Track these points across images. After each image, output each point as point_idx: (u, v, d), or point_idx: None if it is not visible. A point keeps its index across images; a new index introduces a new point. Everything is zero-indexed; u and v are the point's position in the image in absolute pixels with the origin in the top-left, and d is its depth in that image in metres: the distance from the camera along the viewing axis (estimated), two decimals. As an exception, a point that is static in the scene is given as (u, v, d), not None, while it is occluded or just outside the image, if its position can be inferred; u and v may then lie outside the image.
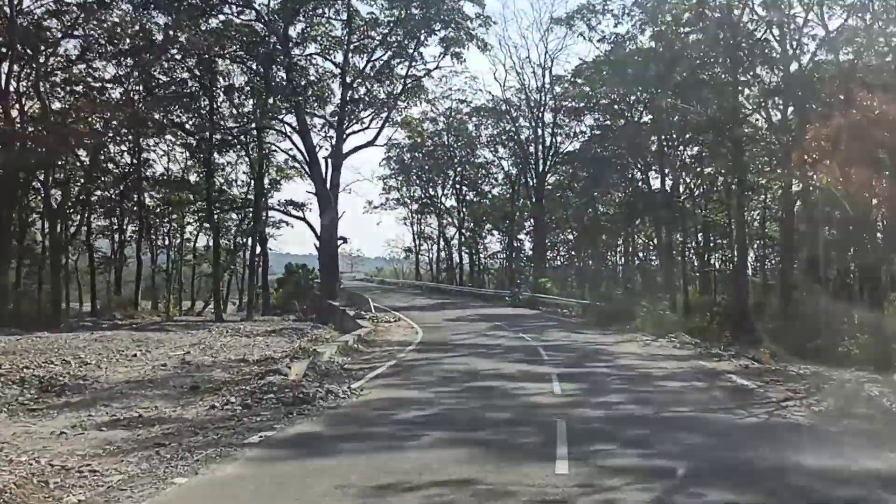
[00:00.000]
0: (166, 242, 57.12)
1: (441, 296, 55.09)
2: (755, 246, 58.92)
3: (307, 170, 49.80)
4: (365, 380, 15.89)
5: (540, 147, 61.28)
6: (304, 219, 51.70)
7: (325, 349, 19.89)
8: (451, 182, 70.81)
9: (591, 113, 60.55)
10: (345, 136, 50.48)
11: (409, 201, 74.16)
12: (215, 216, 46.11)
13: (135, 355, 21.56)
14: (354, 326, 29.25)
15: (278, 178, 56.51)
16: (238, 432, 10.19)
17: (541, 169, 60.53)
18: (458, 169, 70.20)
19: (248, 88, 46.08)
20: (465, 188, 71.97)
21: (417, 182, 72.06)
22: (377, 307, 39.39)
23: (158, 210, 48.40)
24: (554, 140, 61.88)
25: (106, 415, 12.39)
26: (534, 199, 60.96)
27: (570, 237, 72.48)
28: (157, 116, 45.50)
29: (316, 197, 50.09)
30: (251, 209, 53.63)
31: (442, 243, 73.68)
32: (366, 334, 25.92)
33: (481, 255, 76.33)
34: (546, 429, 10.54)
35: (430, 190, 72.54)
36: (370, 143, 51.62)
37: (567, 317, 36.52)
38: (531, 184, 62.58)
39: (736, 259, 43.73)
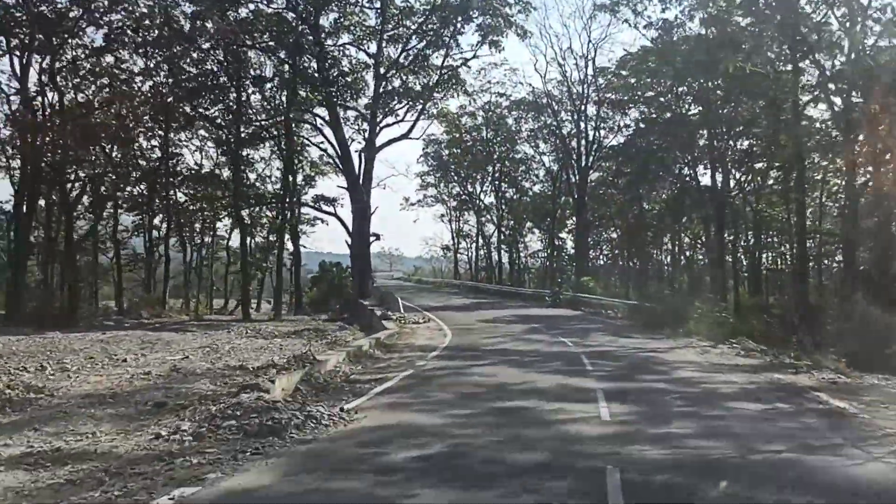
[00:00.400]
0: (199, 240, 55.01)
1: (478, 295, 51.80)
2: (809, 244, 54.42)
3: (339, 163, 47.03)
4: (367, 396, 12.74)
5: (582, 142, 57.50)
6: (335, 214, 48.92)
7: (332, 356, 16.82)
8: (490, 178, 67.42)
9: (635, 106, 56.80)
10: (378, 128, 47.62)
11: (447, 198, 71.08)
12: (244, 212, 43.52)
13: (124, 360, 18.82)
14: (381, 328, 26.24)
15: (312, 173, 53.98)
16: (154, 483, 7.10)
17: (583, 164, 56.75)
18: (498, 165, 66.80)
19: (278, 80, 43.36)
20: (504, 185, 68.59)
21: (456, 179, 68.82)
22: (409, 307, 36.34)
23: (187, 206, 45.96)
24: (597, 134, 58.14)
25: (25, 443, 9.48)
26: (576, 196, 57.20)
27: (614, 235, 68.70)
28: (186, 109, 43.24)
29: (348, 192, 47.27)
30: (285, 206, 51.37)
31: (480, 241, 70.31)
32: (387, 337, 22.83)
33: (521, 255, 72.96)
34: (592, 482, 7.26)
35: (469, 187, 69.27)
36: (405, 136, 48.62)
37: (611, 319, 32.93)
38: (573, 180, 58.90)
39: (795, 259, 39.75)
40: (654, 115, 54.07)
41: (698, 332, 25.36)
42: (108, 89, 41.22)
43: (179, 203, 46.35)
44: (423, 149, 67.94)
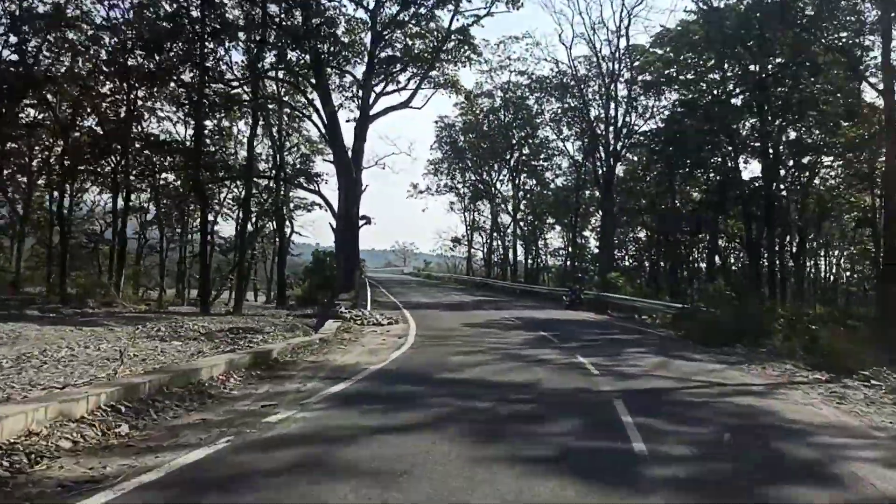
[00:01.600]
0: (177, 224, 45.96)
1: (486, 293, 41.96)
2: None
3: (324, 133, 37.62)
4: None
5: (611, 126, 47.31)
6: (317, 192, 39.42)
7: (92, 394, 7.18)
8: (507, 167, 57.45)
9: (672, 87, 46.49)
10: (374, 96, 38.18)
11: (460, 187, 61.36)
12: (207, 187, 34.17)
13: None
14: (323, 328, 16.70)
15: (309, 151, 44.64)
16: None
17: (612, 147, 46.55)
18: (516, 153, 56.81)
19: (248, 29, 33.91)
20: (523, 175, 58.57)
21: (471, 165, 58.96)
22: (387, 303, 26.96)
23: (145, 175, 36.80)
24: (628, 118, 47.75)
25: None
26: (602, 183, 47.03)
27: (641, 235, 58.11)
28: (150, 66, 34.13)
29: (334, 166, 37.87)
30: (272, 185, 42.18)
31: (495, 234, 60.29)
32: (299, 347, 13.20)
33: (540, 252, 62.78)
34: None
35: (485, 175, 59.35)
36: (404, 105, 38.99)
37: (648, 327, 22.80)
38: (600, 169, 48.75)
39: (884, 254, 29.31)
40: (693, 97, 43.79)
41: (790, 354, 15.30)
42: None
43: (139, 175, 37.04)
44: (437, 133, 58.48)
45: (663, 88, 46.57)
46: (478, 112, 55.15)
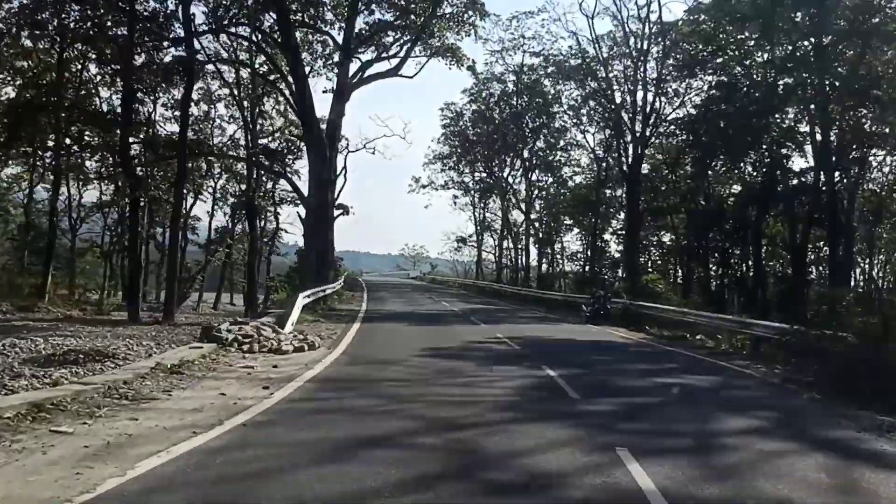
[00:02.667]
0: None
1: (490, 299, 33.25)
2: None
3: (292, 102, 29.29)
4: None
5: (639, 112, 38.36)
6: (283, 174, 31.01)
7: None
8: (521, 160, 48.63)
9: (708, 67, 37.46)
10: (358, 64, 29.91)
11: (469, 182, 52.61)
12: (138, 169, 25.64)
13: None
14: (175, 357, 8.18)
15: (290, 134, 36.27)
16: None
17: (639, 133, 37.64)
18: (530, 145, 47.99)
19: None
20: (538, 171, 49.66)
21: (480, 158, 50.17)
22: (348, 312, 18.62)
23: (72, 153, 28.65)
24: (657, 103, 38.66)
25: None
26: (627, 173, 38.15)
27: (666, 239, 48.59)
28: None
29: (304, 143, 29.57)
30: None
31: (506, 234, 51.36)
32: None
33: (557, 256, 53.62)
34: None
35: (496, 169, 50.54)
36: (393, 72, 30.60)
37: (720, 356, 13.76)
38: (624, 160, 39.85)
39: None
40: (734, 79, 34.80)
41: None
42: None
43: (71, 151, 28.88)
44: (443, 123, 49.90)
45: (697, 69, 37.61)
46: (486, 97, 46.69)
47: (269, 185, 38.08)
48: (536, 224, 50.01)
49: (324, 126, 28.77)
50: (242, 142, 33.61)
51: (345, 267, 43.73)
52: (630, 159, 38.62)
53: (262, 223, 39.38)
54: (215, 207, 40.65)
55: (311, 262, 28.61)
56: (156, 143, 25.81)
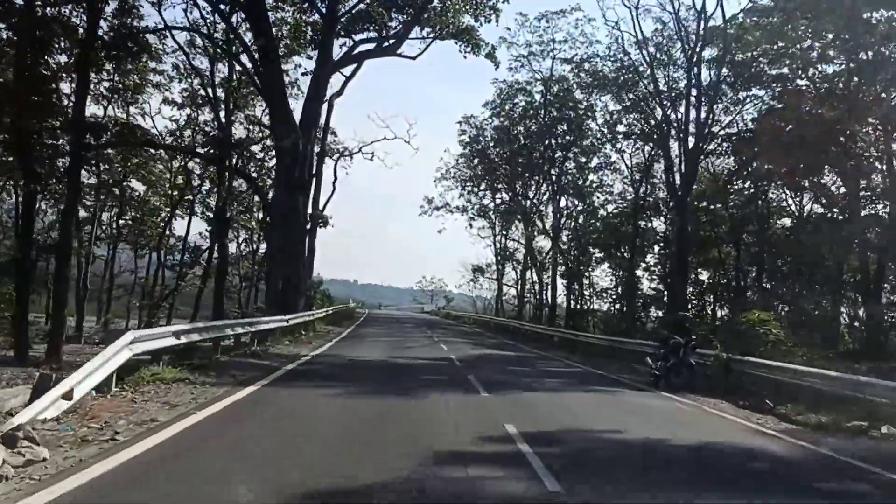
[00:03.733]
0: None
1: (504, 341, 24.68)
2: None
3: (255, 80, 21.66)
4: None
5: (692, 125, 29.94)
6: (236, 170, 23.24)
7: None
8: (549, 183, 40.34)
9: (764, 80, 29.29)
10: (344, 37, 22.36)
11: (490, 206, 44.49)
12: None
13: None
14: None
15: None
16: None
17: (691, 146, 29.16)
18: (560, 165, 39.76)
19: None
20: (566, 195, 41.26)
21: (503, 178, 41.96)
22: (264, 367, 10.11)
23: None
24: (713, 113, 30.21)
25: None
26: (676, 190, 29.60)
27: (704, 277, 39.35)
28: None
29: (272, 132, 21.94)
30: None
31: (529, 262, 42.79)
32: None
33: (585, 292, 44.58)
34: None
35: (520, 192, 42.32)
36: (389, 50, 22.94)
37: None
38: (673, 180, 31.36)
39: None
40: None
41: None
42: None
43: None
44: (462, 141, 42.09)
45: (754, 80, 29.38)
46: (510, 109, 38.92)
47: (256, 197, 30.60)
48: (563, 256, 41.48)
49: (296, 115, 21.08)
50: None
51: (340, 297, 35.75)
52: (679, 177, 30.22)
53: (241, 240, 31.89)
54: (191, 221, 33.04)
55: (276, 288, 20.59)
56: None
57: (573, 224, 42.01)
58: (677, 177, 29.21)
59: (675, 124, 29.88)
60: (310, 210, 22.86)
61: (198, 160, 27.99)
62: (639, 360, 17.31)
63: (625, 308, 35.10)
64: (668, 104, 29.83)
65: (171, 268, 29.60)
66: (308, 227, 22.33)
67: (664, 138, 31.18)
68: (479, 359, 15.94)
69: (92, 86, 23.57)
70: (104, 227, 32.50)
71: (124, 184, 31.23)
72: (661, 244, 37.85)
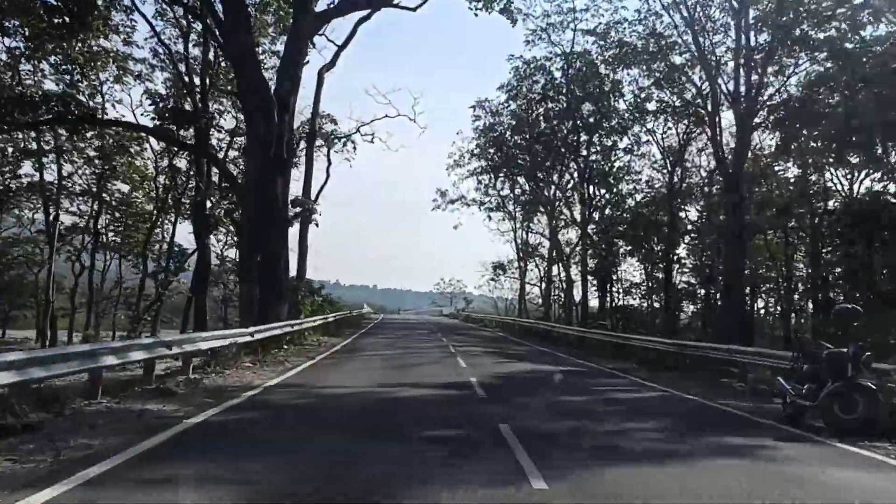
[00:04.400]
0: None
1: (535, 348, 19.52)
2: None
3: (211, 29, 17.00)
4: None
5: (742, 79, 24.52)
6: (195, 148, 18.48)
7: None
8: (576, 165, 35.04)
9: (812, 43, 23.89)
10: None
11: (508, 198, 39.48)
12: None
13: None
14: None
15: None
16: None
17: (743, 110, 23.84)
18: (585, 148, 34.54)
19: None
20: (593, 183, 35.95)
21: (523, 168, 36.79)
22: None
23: None
24: (764, 78, 24.71)
25: None
26: (725, 179, 24.24)
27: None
28: None
29: (240, 99, 17.26)
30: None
31: (555, 255, 37.52)
32: None
33: (614, 290, 39.15)
34: None
35: (542, 181, 37.19)
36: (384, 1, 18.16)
37: None
38: (722, 155, 26.06)
39: None
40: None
41: None
42: None
43: None
44: (475, 127, 37.12)
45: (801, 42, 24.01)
46: (527, 90, 33.90)
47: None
48: (596, 245, 36.06)
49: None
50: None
51: (343, 301, 30.99)
52: (728, 149, 25.10)
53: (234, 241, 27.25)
54: (176, 223, 28.47)
55: (250, 292, 15.84)
56: None
57: (599, 215, 36.77)
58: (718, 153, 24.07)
59: (723, 92, 24.69)
60: (295, 195, 18.12)
61: (184, 154, 23.57)
62: (723, 373, 12.27)
63: (663, 304, 29.79)
64: (714, 68, 24.58)
65: (154, 276, 25.15)
66: (292, 215, 17.60)
67: (714, 107, 25.89)
68: (511, 381, 10.96)
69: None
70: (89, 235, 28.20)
71: (105, 183, 26.99)
72: (694, 234, 32.55)
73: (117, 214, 28.76)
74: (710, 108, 25.00)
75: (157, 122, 16.36)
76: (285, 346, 14.85)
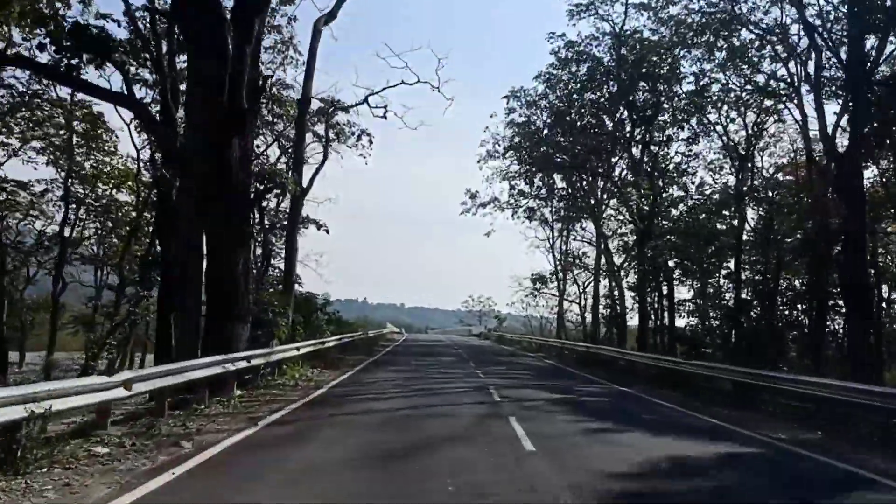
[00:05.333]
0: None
1: (615, 387, 12.96)
2: None
3: None
4: None
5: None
6: (70, 78, 12.15)
7: None
8: (631, 158, 28.39)
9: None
10: None
11: (546, 203, 33.02)
12: None
13: None
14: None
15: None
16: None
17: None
18: (638, 144, 27.93)
19: None
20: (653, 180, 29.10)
21: (559, 169, 30.30)
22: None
23: None
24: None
25: None
26: (837, 162, 17.42)
27: None
28: None
29: (171, 11, 11.35)
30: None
31: (603, 264, 30.60)
32: None
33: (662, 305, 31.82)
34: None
35: (586, 183, 30.69)
36: None
37: None
38: (833, 136, 19.14)
39: None
40: None
41: None
42: None
43: None
44: (509, 122, 30.96)
45: None
46: (569, 78, 27.70)
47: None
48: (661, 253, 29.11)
49: None
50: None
51: (370, 319, 24.73)
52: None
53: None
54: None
55: (192, 314, 9.78)
56: None
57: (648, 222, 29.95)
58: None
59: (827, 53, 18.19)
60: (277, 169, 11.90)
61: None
62: None
63: (755, 321, 22.68)
64: (822, 32, 18.06)
65: (119, 290, 19.30)
66: (255, 193, 11.53)
67: (817, 81, 19.29)
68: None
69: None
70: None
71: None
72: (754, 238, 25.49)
73: (92, 216, 23.17)
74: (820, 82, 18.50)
75: (57, 56, 10.57)
76: (218, 402, 8.63)
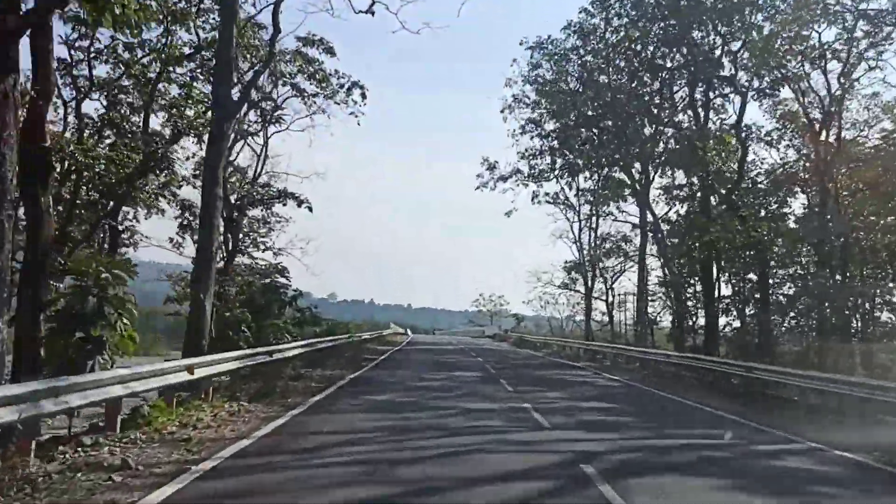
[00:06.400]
0: None
1: (710, 412, 6.29)
2: None
3: None
4: None
5: None
6: None
7: None
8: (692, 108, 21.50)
9: None
10: None
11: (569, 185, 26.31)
12: None
13: None
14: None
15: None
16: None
17: None
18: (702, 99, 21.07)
19: None
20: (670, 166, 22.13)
21: (605, 147, 23.39)
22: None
23: None
24: None
25: None
26: None
27: None
28: None
29: None
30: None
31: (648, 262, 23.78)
32: None
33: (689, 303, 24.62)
34: None
35: (621, 158, 23.85)
36: None
37: None
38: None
39: None
40: None
41: None
42: None
43: None
44: (536, 89, 24.24)
45: None
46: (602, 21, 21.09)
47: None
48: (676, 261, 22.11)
49: None
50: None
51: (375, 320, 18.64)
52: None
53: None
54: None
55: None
56: None
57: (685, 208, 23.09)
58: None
59: None
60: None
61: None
62: None
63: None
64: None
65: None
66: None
67: None
68: None
69: None
70: None
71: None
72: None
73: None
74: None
75: None
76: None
